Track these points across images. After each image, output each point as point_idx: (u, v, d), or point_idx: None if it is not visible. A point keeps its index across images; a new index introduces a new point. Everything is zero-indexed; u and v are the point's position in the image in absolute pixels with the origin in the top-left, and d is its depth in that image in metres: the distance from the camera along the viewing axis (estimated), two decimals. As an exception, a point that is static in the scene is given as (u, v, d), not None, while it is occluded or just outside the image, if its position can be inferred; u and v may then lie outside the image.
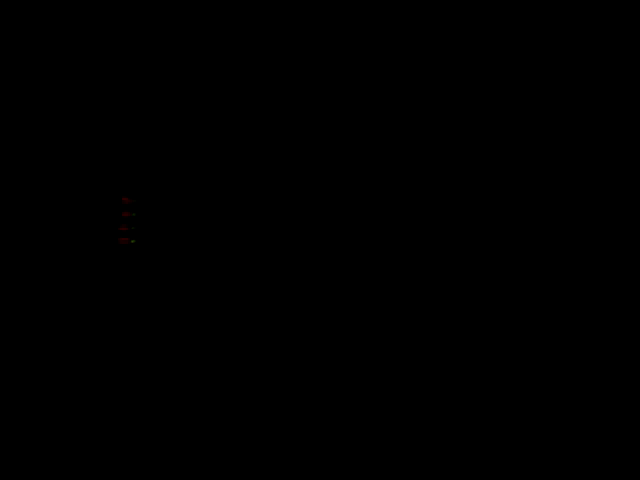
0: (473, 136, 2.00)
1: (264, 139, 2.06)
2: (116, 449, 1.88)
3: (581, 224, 1.96)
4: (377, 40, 2.02)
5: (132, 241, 2.01)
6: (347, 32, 2.02)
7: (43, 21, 2.00)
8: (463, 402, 1.94)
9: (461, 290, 2.00)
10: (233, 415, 1.95)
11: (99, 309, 1.98)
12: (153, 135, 2.05)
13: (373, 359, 2.00)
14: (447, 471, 1.87)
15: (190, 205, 2.04)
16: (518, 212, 1.99)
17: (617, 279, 1.94)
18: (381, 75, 2.03)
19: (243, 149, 2.06)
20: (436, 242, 2.01)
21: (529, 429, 1.91)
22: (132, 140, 2.05)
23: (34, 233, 1.99)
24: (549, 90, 1.98)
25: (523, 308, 1.97)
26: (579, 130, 1.97)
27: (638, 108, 1.92)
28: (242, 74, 2.06)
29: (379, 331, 2.01)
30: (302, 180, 2.05)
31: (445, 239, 2.01)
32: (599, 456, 1.86)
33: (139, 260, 2.01)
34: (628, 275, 1.93)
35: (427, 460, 1.89)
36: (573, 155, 1.97)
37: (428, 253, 2.01)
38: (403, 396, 1.96)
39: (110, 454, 1.87)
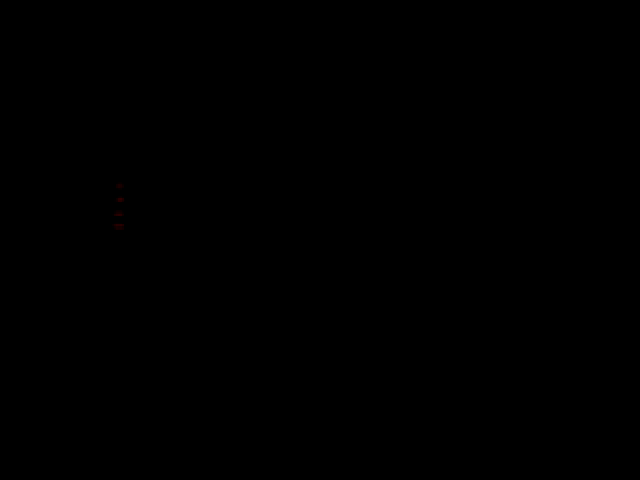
0: (473, 136, 2.00)
1: (259, 126, 2.05)
2: (110, 444, 1.87)
3: (581, 224, 1.96)
4: (377, 40, 2.01)
5: (128, 227, 1.99)
6: (347, 32, 2.01)
7: (40, 16, 1.99)
8: (463, 402, 1.94)
9: (461, 290, 1.99)
10: (229, 407, 1.94)
11: (94, 296, 1.97)
12: (146, 122, 2.04)
13: (373, 359, 2.00)
14: (447, 471, 1.87)
15: (184, 192, 2.02)
16: (518, 212, 1.98)
17: (617, 279, 1.94)
18: (381, 75, 2.02)
19: (237, 137, 2.05)
20: (436, 242, 2.01)
21: (529, 429, 1.91)
22: (125, 126, 2.04)
23: (27, 219, 1.98)
24: (549, 90, 1.98)
25: (523, 308, 1.97)
26: (579, 130, 1.97)
27: (638, 108, 1.92)
28: (235, 63, 2.04)
29: (379, 331, 2.01)
30: (296, 171, 2.04)
31: (445, 239, 2.01)
32: (599, 456, 1.86)
33: (134, 246, 1.99)
34: (628, 275, 1.93)
35: (427, 460, 1.89)
36: (573, 155, 1.97)
37: (428, 253, 2.01)
38: (403, 396, 1.96)
39: (104, 449, 1.87)
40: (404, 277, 2.01)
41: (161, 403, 1.93)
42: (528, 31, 1.95)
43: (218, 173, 2.04)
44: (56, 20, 2.00)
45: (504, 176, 1.99)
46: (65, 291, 1.96)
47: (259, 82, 2.04)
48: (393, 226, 2.02)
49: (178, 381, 1.96)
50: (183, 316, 2.00)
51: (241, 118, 2.05)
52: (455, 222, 2.00)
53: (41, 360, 1.93)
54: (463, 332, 1.98)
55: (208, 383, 1.96)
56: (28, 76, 2.00)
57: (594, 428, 1.88)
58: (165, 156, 2.03)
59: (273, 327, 2.00)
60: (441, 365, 1.97)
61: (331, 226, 2.03)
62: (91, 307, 1.97)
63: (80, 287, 1.97)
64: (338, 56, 2.03)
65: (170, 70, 2.03)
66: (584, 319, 1.95)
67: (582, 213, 1.96)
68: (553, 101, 1.97)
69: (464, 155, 2.00)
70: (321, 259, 2.03)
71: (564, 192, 1.97)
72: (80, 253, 1.98)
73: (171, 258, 2.01)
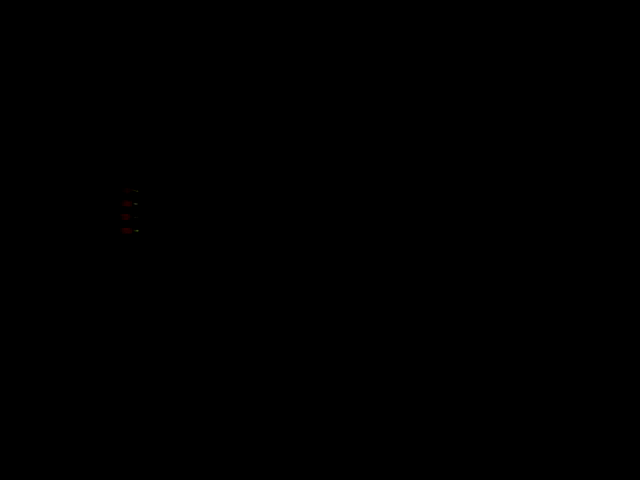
0: (473, 136, 1.99)
1: (267, 131, 2.05)
2: (113, 445, 1.89)
3: (581, 224, 1.95)
4: (377, 40, 2.00)
5: (136, 230, 2.01)
6: (347, 32, 2.00)
7: (43, 17, 1.99)
8: (463, 402, 1.95)
9: (461, 290, 1.99)
10: (233, 411, 1.95)
11: (103, 299, 1.98)
12: (155, 125, 2.04)
13: (373, 359, 2.00)
14: (447, 471, 1.88)
15: (192, 196, 2.03)
16: (518, 212, 1.97)
17: (617, 279, 1.92)
18: (381, 75, 2.01)
19: (245, 138, 2.06)
20: (436, 243, 2.01)
21: (529, 429, 1.91)
22: (134, 130, 2.04)
23: (35, 223, 1.99)
24: (549, 90, 1.96)
25: (523, 309, 1.97)
26: (579, 130, 1.95)
27: (638, 108, 1.89)
28: (243, 67, 2.04)
29: (379, 331, 2.01)
30: (302, 173, 2.04)
31: (445, 240, 2.00)
32: (599, 456, 1.86)
33: (142, 250, 2.01)
34: (628, 275, 1.91)
35: (427, 460, 1.89)
36: (573, 155, 1.95)
37: (429, 254, 2.01)
38: (403, 396, 1.97)
39: (107, 449, 1.88)
40: (404, 277, 2.01)
41: (169, 404, 1.95)
42: (528, 31, 1.94)
43: (225, 178, 2.04)
44: (67, 26, 2.01)
45: (504, 176, 1.98)
46: (73, 294, 1.98)
47: (267, 88, 2.04)
48: (393, 226, 2.02)
49: (187, 382, 1.97)
50: (191, 319, 2.01)
51: (249, 123, 2.05)
52: (455, 222, 2.00)
53: (49, 363, 1.95)
54: (463, 332, 1.98)
55: (215, 384, 1.97)
56: (36, 82, 2.01)
57: (594, 428, 1.88)
58: (173, 160, 2.04)
59: (280, 329, 2.01)
60: (441, 365, 1.98)
61: (343, 231, 2.04)
62: (99, 310, 1.98)
63: (88, 290, 1.99)
64: (338, 56, 2.02)
65: (179, 76, 2.04)
66: (584, 319, 1.94)
67: (582, 213, 1.95)
68: (553, 101, 1.96)
69: (464, 155, 1.99)
70: (331, 263, 2.03)
71: (564, 192, 1.96)
72: (88, 256, 2.00)
73: (179, 261, 2.02)
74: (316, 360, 2.00)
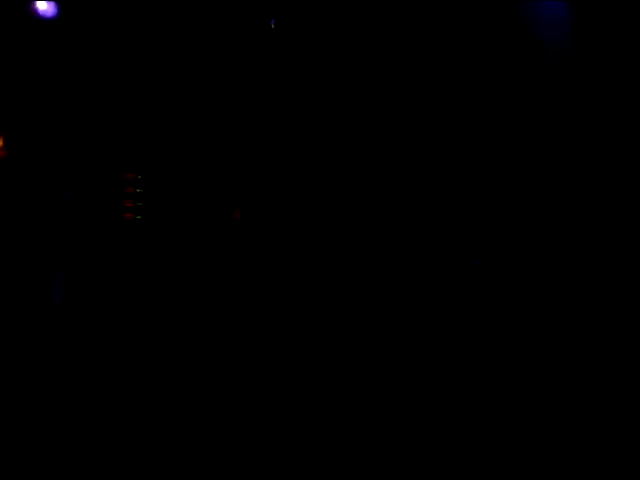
0: (473, 136, 1.98)
1: (266, 121, 2.05)
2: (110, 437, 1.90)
3: (581, 223, 1.94)
4: (377, 40, 1.99)
5: (138, 217, 2.01)
6: (347, 32, 1.99)
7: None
8: (463, 402, 1.95)
9: (461, 290, 1.99)
10: (227, 408, 1.96)
11: (105, 283, 1.99)
12: (156, 115, 2.04)
13: (373, 358, 2.01)
14: (447, 471, 1.89)
15: (192, 183, 2.03)
16: (518, 212, 1.97)
17: (617, 279, 1.92)
18: (381, 75, 2.00)
19: (244, 130, 2.05)
20: (436, 241, 2.00)
21: (529, 429, 1.92)
22: (135, 119, 2.04)
23: (37, 210, 2.00)
24: (549, 91, 1.95)
25: (523, 308, 1.97)
26: (579, 130, 1.94)
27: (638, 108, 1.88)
28: (241, 60, 2.03)
29: (379, 330, 2.01)
30: (301, 164, 2.04)
31: (445, 239, 2.00)
32: (599, 456, 1.87)
33: (144, 235, 2.01)
34: (628, 275, 1.91)
35: (427, 460, 1.90)
36: (573, 155, 1.94)
37: (428, 254, 2.01)
38: (403, 396, 1.97)
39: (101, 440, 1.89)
40: (403, 277, 2.01)
41: (167, 389, 1.96)
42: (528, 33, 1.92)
43: (224, 167, 2.04)
44: (65, 20, 2.00)
45: (503, 176, 1.98)
46: (75, 279, 1.99)
47: (264, 79, 2.03)
48: (392, 226, 2.02)
49: (184, 367, 1.98)
50: (190, 305, 2.01)
51: (247, 113, 2.04)
52: (454, 223, 2.00)
53: (48, 346, 1.96)
54: (463, 333, 1.99)
55: (211, 373, 1.98)
56: (40, 69, 2.01)
57: (594, 428, 1.89)
58: (173, 148, 2.04)
59: (277, 320, 2.02)
60: (440, 365, 1.98)
61: (337, 228, 2.04)
62: (101, 295, 1.99)
63: (91, 274, 1.99)
64: (338, 56, 2.01)
65: (180, 64, 2.03)
66: (584, 319, 1.94)
67: (582, 213, 1.95)
68: (553, 102, 1.95)
69: (463, 155, 1.99)
70: (323, 258, 2.03)
71: (564, 192, 1.95)
72: (90, 241, 2.00)
73: (179, 248, 2.02)
74: (313, 357, 2.01)
